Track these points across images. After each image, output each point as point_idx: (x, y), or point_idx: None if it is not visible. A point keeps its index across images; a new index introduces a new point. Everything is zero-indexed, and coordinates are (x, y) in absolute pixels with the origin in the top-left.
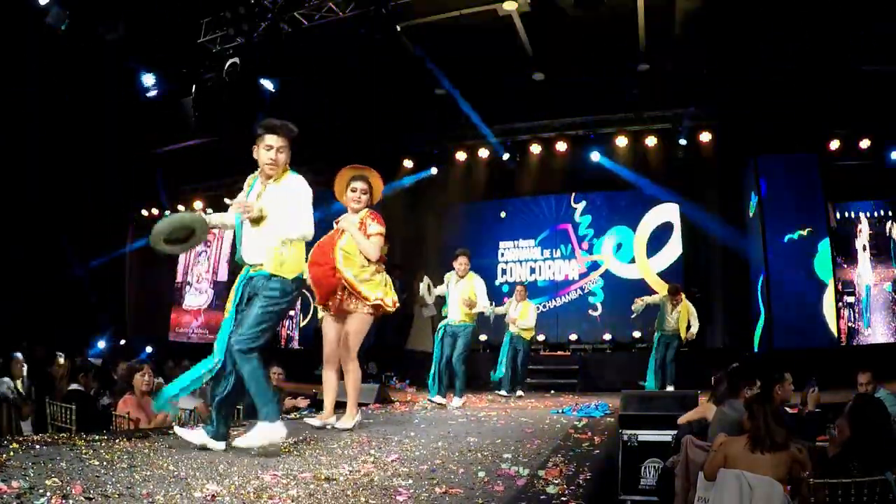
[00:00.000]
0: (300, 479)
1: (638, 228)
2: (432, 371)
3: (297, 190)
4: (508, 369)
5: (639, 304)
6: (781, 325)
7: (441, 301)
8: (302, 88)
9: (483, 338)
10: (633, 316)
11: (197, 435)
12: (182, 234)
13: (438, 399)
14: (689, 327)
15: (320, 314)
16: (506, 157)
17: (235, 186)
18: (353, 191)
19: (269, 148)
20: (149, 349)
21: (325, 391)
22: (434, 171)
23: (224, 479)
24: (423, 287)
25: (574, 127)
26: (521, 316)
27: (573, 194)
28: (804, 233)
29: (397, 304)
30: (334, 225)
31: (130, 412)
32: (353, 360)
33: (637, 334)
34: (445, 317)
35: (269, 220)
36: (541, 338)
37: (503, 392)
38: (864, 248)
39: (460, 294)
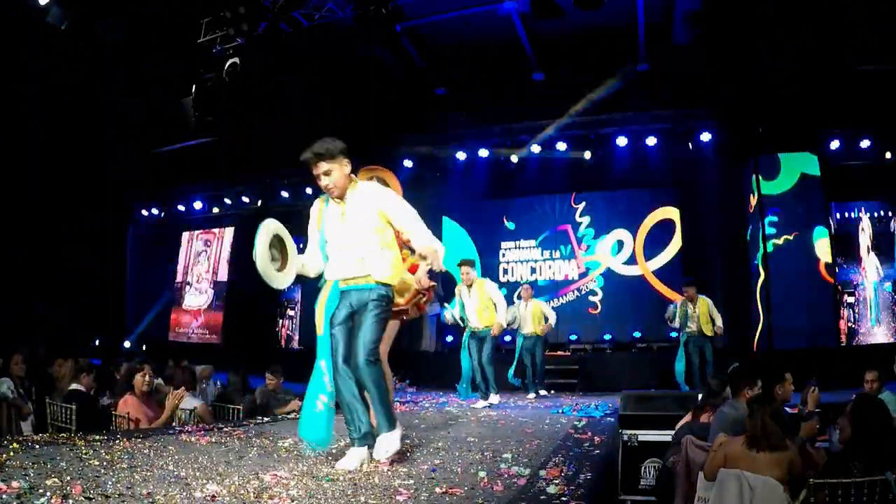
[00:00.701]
0: (300, 479)
1: (638, 228)
2: (465, 377)
3: (382, 194)
4: (528, 370)
5: (671, 311)
6: (781, 325)
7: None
8: (302, 88)
9: None
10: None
11: (356, 457)
12: (276, 247)
13: (481, 402)
14: (713, 323)
15: None
16: (514, 158)
17: (236, 187)
18: None
19: (318, 177)
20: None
21: None
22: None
23: (224, 479)
24: (448, 317)
25: (574, 127)
26: (534, 315)
27: (573, 194)
28: (804, 233)
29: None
30: None
31: (130, 412)
32: (383, 366)
33: (637, 334)
34: (465, 324)
35: (361, 233)
36: None
37: (530, 395)
38: (868, 248)
39: (476, 302)
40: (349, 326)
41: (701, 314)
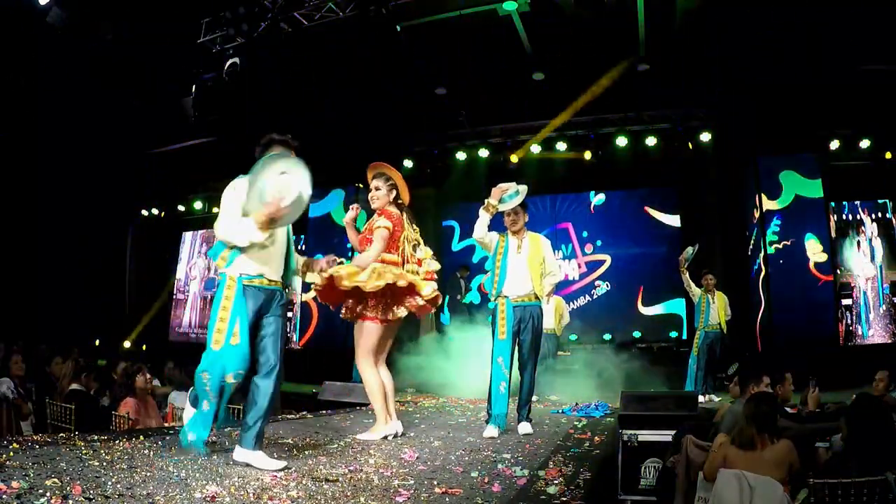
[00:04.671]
0: (300, 480)
1: (637, 228)
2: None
3: (542, 243)
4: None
5: (686, 256)
6: (781, 324)
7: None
8: (302, 88)
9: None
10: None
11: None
12: None
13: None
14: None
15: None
16: (514, 158)
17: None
18: (369, 191)
19: (515, 218)
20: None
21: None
22: None
23: (224, 479)
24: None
25: (574, 127)
26: (556, 311)
27: (573, 194)
28: (803, 233)
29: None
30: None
31: (130, 413)
32: (364, 367)
33: (637, 334)
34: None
35: (531, 265)
36: None
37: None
38: (870, 248)
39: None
40: (519, 333)
41: (720, 306)
